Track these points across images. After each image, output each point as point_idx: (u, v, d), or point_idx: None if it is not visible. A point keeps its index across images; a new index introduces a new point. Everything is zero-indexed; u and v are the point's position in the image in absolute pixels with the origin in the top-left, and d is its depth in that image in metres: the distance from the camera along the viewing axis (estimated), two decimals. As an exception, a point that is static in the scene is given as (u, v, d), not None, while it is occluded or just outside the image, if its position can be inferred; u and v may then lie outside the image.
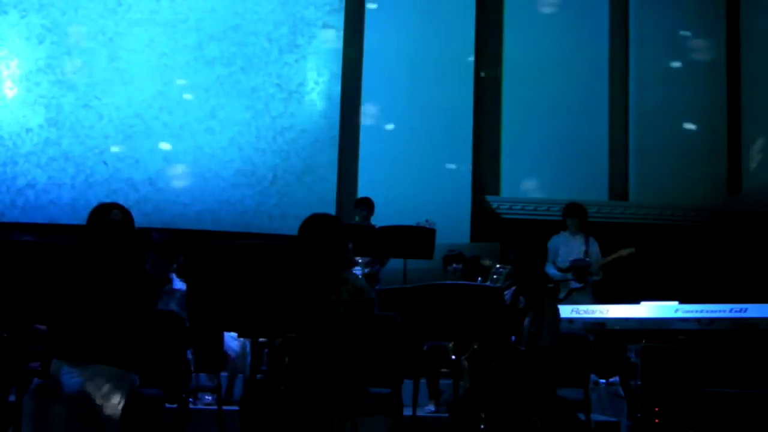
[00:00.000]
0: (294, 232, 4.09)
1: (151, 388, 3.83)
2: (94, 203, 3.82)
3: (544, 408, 4.40)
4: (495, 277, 6.27)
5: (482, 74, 9.57)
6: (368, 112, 9.37)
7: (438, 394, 6.11)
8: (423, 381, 5.88)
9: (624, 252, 7.57)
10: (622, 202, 9.61)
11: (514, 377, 4.61)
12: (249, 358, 5.06)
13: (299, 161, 9.13)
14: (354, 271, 7.39)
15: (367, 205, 8.10)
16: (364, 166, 9.26)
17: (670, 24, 9.77)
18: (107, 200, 4.06)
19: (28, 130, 8.80)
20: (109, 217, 3.66)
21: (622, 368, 6.29)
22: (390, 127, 9.25)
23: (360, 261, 7.48)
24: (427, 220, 7.73)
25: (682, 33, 9.78)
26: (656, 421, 5.80)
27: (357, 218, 8.04)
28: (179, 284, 5.59)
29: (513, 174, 9.58)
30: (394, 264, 7.79)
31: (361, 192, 8.93)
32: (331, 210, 8.77)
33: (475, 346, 4.85)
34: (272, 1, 9.28)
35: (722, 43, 9.83)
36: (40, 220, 8.59)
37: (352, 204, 8.38)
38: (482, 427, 4.19)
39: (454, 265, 6.87)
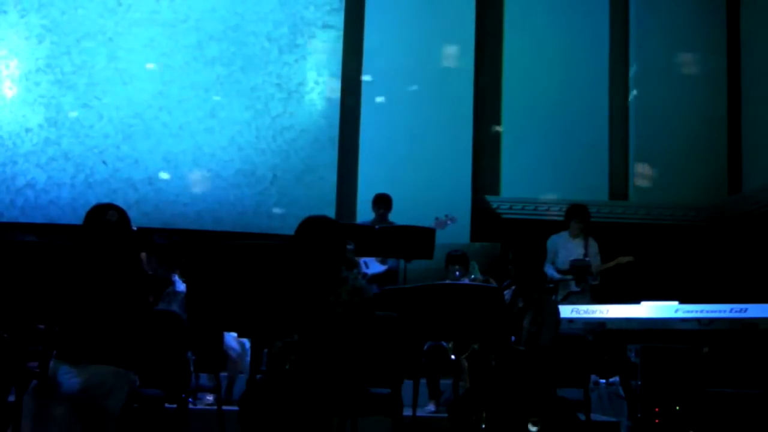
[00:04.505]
0: (294, 232, 4.09)
1: (151, 388, 3.83)
2: (94, 203, 3.83)
3: (544, 408, 4.40)
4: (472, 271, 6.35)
5: (482, 74, 9.55)
6: (368, 113, 9.35)
7: (438, 394, 6.11)
8: (423, 381, 5.88)
9: (623, 260, 7.58)
10: (622, 202, 9.59)
11: (514, 377, 4.61)
12: (249, 358, 5.06)
13: (299, 161, 9.11)
14: (367, 271, 7.47)
15: (385, 201, 7.94)
16: (364, 166, 9.25)
17: (670, 24, 9.75)
18: (107, 200, 4.09)
19: (27, 130, 8.81)
20: (105, 218, 3.66)
21: (622, 368, 6.28)
22: (390, 127, 9.23)
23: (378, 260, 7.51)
24: (446, 215, 7.66)
25: (682, 33, 9.76)
26: (656, 421, 5.80)
27: (374, 216, 7.91)
28: (181, 286, 5.58)
29: (513, 174, 9.57)
30: (394, 264, 7.79)
31: (361, 192, 8.92)
32: (331, 210, 8.77)
33: (475, 347, 4.85)
34: (272, 1, 9.27)
35: (722, 43, 9.81)
36: (39, 220, 8.58)
37: (352, 204, 8.36)
38: (483, 426, 4.20)
39: (457, 273, 6.84)
